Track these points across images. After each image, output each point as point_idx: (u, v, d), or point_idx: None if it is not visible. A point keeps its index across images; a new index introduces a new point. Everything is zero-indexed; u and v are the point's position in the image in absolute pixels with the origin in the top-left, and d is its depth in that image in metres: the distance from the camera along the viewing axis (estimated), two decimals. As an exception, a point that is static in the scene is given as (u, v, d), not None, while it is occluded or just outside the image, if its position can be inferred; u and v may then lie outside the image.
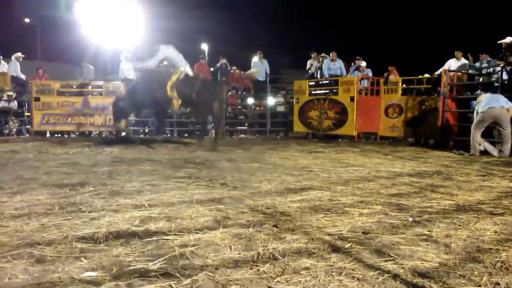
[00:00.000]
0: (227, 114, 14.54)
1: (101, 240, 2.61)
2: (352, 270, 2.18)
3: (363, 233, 2.86)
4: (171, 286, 1.96)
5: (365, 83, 12.68)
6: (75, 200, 3.72)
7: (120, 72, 13.18)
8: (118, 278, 2.04)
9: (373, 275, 2.12)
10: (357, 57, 13.60)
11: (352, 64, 13.78)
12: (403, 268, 2.23)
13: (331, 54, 13.60)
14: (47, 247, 2.46)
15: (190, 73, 9.63)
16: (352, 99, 12.11)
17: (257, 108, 15.24)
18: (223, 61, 15.41)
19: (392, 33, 28.65)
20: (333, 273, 2.13)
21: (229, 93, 14.84)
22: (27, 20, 32.36)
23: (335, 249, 2.50)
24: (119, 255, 2.36)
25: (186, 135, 14.16)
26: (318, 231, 2.88)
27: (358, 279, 2.07)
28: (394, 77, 12.19)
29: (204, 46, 37.90)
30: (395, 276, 2.11)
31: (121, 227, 2.90)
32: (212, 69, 16.57)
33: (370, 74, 13.25)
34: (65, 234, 2.72)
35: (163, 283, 1.99)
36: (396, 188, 4.57)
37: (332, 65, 13.54)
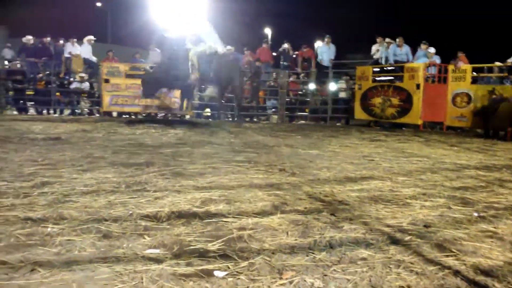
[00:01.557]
0: (287, 99, 14.50)
1: (164, 219, 2.73)
2: (411, 263, 2.14)
3: (424, 226, 2.79)
4: (229, 268, 2.02)
5: (432, 70, 12.19)
6: (141, 180, 3.89)
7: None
8: (179, 256, 2.13)
9: (432, 270, 2.08)
10: (423, 42, 13.05)
11: (418, 49, 13.25)
12: (465, 264, 2.16)
13: (397, 40, 13.15)
14: (113, 223, 2.60)
15: (219, 50, 9.85)
16: (418, 86, 11.67)
17: (319, 94, 15.06)
18: (286, 45, 15.34)
19: (461, 17, 27.11)
20: (391, 265, 2.11)
21: (291, 78, 14.77)
22: (98, 4, 33.67)
23: (394, 241, 2.46)
24: (180, 234, 2.46)
25: (247, 119, 14.31)
26: (377, 222, 2.85)
27: (417, 273, 2.03)
28: (463, 64, 11.62)
29: (267, 31, 37.82)
30: (456, 273, 2.05)
31: (183, 208, 3.01)
32: (274, 53, 16.55)
33: (438, 61, 12.69)
34: (130, 212, 2.86)
35: (221, 264, 2.05)
36: (461, 181, 4.40)
37: (398, 50, 13.09)
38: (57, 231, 2.42)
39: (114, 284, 1.80)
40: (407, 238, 2.53)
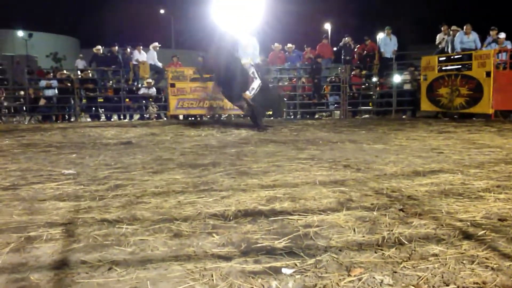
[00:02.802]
0: (349, 94, 14.26)
1: (231, 218, 2.79)
2: (486, 259, 2.05)
3: (499, 220, 2.65)
4: (296, 265, 2.03)
5: (503, 56, 11.50)
6: (207, 180, 4.00)
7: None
8: (247, 254, 2.18)
9: (509, 265, 1.98)
10: (492, 27, 12.34)
11: (487, 36, 12.55)
12: (546, 260, 2.04)
13: (464, 27, 12.54)
14: (183, 223, 2.70)
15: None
16: (488, 74, 11.06)
17: (380, 87, 14.67)
18: (347, 39, 15.09)
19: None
20: (464, 261, 2.03)
21: (353, 72, 14.52)
22: (162, 11, 34.86)
23: (467, 236, 2.37)
24: (247, 232, 2.50)
25: (307, 116, 14.24)
26: (448, 216, 2.75)
27: (492, 268, 1.94)
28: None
29: (327, 26, 37.39)
30: (537, 269, 1.94)
31: (249, 206, 3.06)
32: (335, 48, 16.33)
33: (510, 46, 11.97)
34: (199, 211, 2.95)
35: (288, 261, 2.07)
36: (540, 172, 4.13)
37: (466, 38, 12.48)
38: (131, 231, 2.54)
39: (186, 282, 1.86)
40: (481, 232, 2.42)
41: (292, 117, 14.41)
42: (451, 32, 13.07)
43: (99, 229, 2.60)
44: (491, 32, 12.32)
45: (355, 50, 15.11)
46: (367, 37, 14.77)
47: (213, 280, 1.88)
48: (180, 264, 2.04)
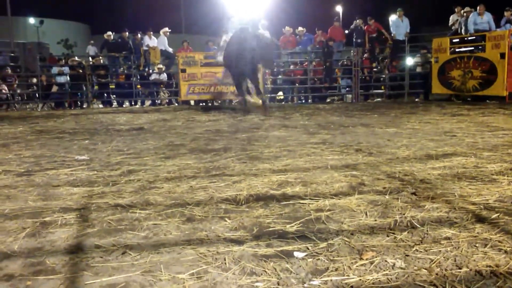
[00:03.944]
0: (362, 77, 14.13)
1: (243, 202, 2.80)
2: (499, 242, 2.04)
3: (513, 203, 2.63)
4: (308, 249, 2.04)
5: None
6: (219, 165, 4.01)
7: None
8: (259, 238, 2.19)
9: (524, 249, 1.96)
10: (507, 8, 12.07)
11: (503, 17, 12.29)
12: (561, 243, 2.02)
13: (478, 8, 12.29)
14: (195, 207, 2.72)
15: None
16: (502, 55, 10.85)
17: (392, 70, 14.49)
18: (358, 21, 14.90)
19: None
20: (477, 244, 2.02)
21: (365, 55, 14.37)
22: (172, -4, 34.74)
23: (480, 219, 2.35)
24: (259, 216, 2.52)
25: (319, 100, 14.17)
26: (461, 200, 2.73)
27: (505, 251, 1.93)
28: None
29: (338, 8, 36.96)
30: (551, 252, 1.93)
31: (260, 190, 3.07)
32: (346, 31, 16.15)
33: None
34: (211, 196, 2.97)
35: (300, 245, 2.08)
36: (556, 155, 4.08)
37: (479, 19, 12.23)
38: (144, 216, 2.57)
39: (198, 265, 1.88)
40: (494, 215, 2.40)
41: (303, 101, 14.34)
42: (464, 14, 12.82)
43: (113, 214, 2.63)
44: (505, 13, 12.05)
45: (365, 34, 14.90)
46: (370, 17, 14.52)
47: (225, 263, 1.90)
48: (193, 248, 2.06)
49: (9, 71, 14.39)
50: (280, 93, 14.96)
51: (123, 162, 4.30)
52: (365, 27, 14.42)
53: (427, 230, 2.22)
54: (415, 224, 2.32)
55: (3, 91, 13.84)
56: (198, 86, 13.42)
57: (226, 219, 2.49)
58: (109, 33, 14.79)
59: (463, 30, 12.76)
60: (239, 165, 3.99)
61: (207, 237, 2.22)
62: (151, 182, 3.40)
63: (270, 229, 2.31)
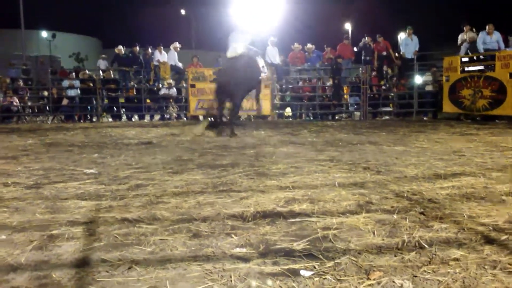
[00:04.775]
0: (370, 95, 14.14)
1: (250, 219, 2.79)
2: (509, 264, 2.01)
3: (523, 225, 2.60)
4: (315, 267, 2.03)
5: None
6: (226, 180, 4.01)
7: (266, 56, 13.62)
8: (265, 255, 2.18)
9: (534, 272, 1.94)
10: None
11: (510, 37, 12.31)
12: None
13: (487, 27, 12.33)
14: (202, 223, 2.71)
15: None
16: (511, 75, 10.85)
17: (400, 88, 14.48)
18: (367, 39, 14.97)
19: None
20: (485, 266, 2.00)
21: (373, 73, 14.40)
22: (182, 12, 35.14)
23: (489, 241, 2.33)
24: (266, 233, 2.50)
25: (327, 117, 14.18)
26: (470, 220, 2.70)
27: (515, 275, 1.91)
28: None
29: (347, 26, 37.18)
30: (562, 276, 1.90)
31: (267, 207, 3.06)
32: (355, 48, 16.22)
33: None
34: (218, 212, 2.96)
35: (306, 264, 2.07)
36: None
37: (488, 38, 12.27)
38: (151, 231, 2.57)
39: (204, 282, 1.88)
40: (504, 237, 2.37)
41: (311, 118, 14.36)
42: (466, 35, 12.88)
43: (120, 228, 2.63)
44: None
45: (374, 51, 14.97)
46: (379, 35, 14.58)
47: (231, 281, 1.89)
48: (199, 264, 2.06)
49: (21, 83, 14.58)
50: (288, 109, 15.00)
51: (131, 176, 4.32)
52: (374, 45, 14.48)
53: (435, 251, 2.19)
54: (423, 244, 2.29)
55: (14, 103, 14.01)
56: (207, 101, 13.49)
57: (233, 235, 2.48)
58: (120, 47, 14.97)
59: (468, 51, 12.79)
60: (246, 181, 3.99)
61: (213, 253, 2.22)
62: (158, 197, 3.41)
63: (277, 246, 2.30)
